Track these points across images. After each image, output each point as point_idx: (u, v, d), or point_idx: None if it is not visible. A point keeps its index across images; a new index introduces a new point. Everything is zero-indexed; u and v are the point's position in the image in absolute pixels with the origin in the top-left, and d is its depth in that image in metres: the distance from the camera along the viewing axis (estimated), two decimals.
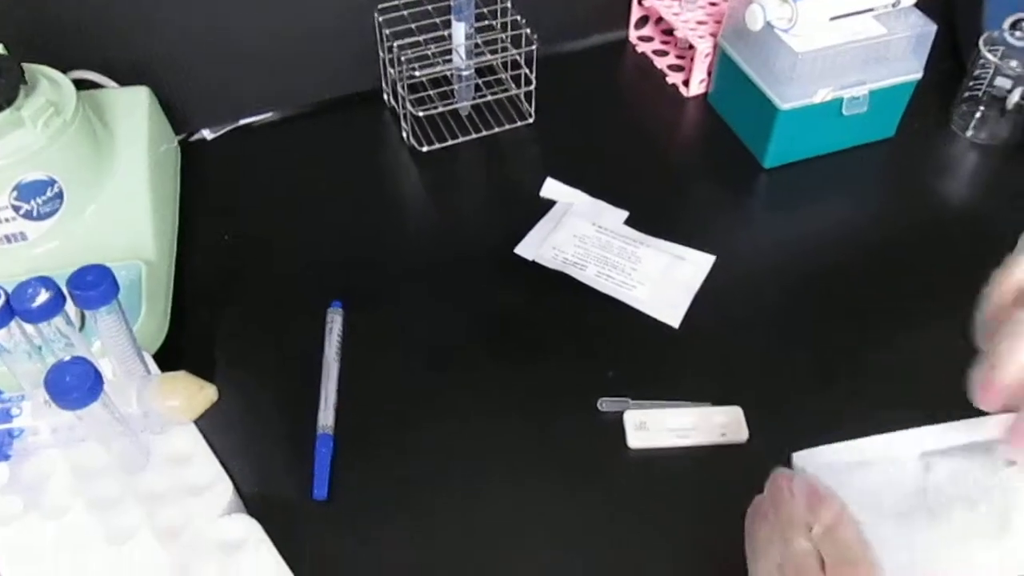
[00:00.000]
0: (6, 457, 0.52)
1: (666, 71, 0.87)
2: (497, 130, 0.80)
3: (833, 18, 0.71)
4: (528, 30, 0.75)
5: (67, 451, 0.53)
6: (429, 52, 0.76)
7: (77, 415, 0.47)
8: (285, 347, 0.65)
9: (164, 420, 0.53)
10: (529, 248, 0.70)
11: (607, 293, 0.68)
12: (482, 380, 0.63)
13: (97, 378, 0.46)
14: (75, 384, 0.45)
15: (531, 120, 0.81)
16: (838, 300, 0.69)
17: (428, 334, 0.67)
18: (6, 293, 0.49)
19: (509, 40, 0.78)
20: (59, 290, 0.50)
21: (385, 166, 0.80)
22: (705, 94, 0.85)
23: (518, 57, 0.78)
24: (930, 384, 0.63)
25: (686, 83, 0.85)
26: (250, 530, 0.51)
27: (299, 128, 0.83)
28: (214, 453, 0.58)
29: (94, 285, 0.50)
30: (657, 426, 0.60)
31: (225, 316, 0.68)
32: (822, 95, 0.73)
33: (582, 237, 0.71)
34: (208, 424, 0.60)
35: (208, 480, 0.53)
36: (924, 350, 0.64)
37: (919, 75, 0.76)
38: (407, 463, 0.59)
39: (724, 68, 0.80)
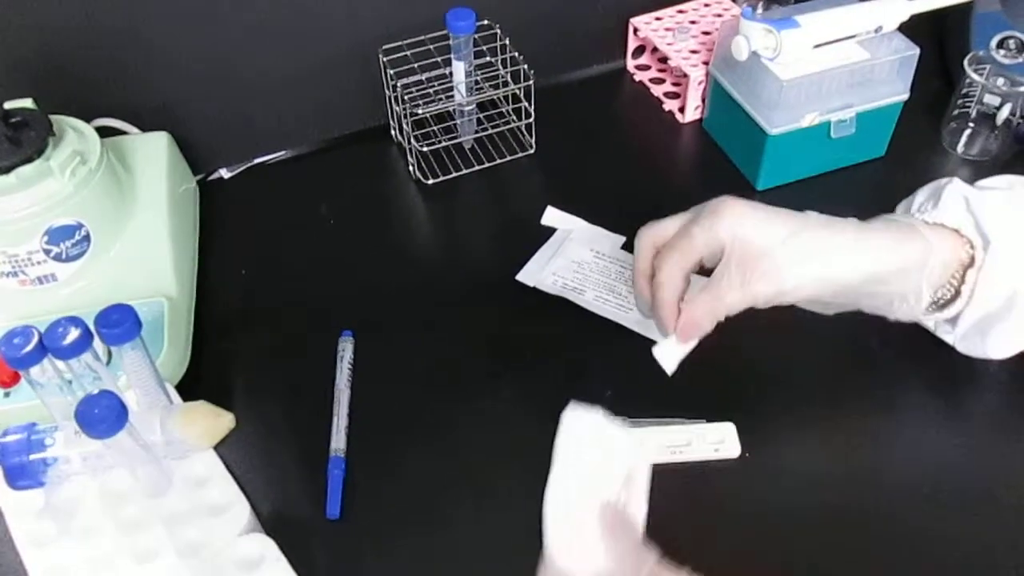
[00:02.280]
0: (41, 484, 0.55)
1: (663, 98, 0.91)
2: (499, 161, 0.84)
3: (817, 46, 0.74)
4: (526, 66, 0.79)
5: (96, 477, 0.57)
6: (431, 90, 0.80)
7: (105, 444, 0.51)
8: (298, 375, 0.69)
9: (185, 447, 0.57)
10: (530, 275, 0.73)
11: (605, 316, 0.71)
12: (486, 402, 0.67)
13: (122, 410, 0.50)
14: (103, 416, 0.49)
15: (532, 151, 0.85)
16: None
17: (434, 360, 0.70)
18: (39, 333, 0.53)
19: (508, 75, 0.81)
20: (87, 328, 0.54)
21: (393, 199, 0.83)
22: (700, 120, 0.88)
23: (517, 91, 0.81)
24: (927, 402, 0.67)
25: (682, 110, 0.88)
26: (267, 548, 0.54)
27: (311, 165, 0.87)
28: (232, 476, 0.61)
29: (119, 323, 0.54)
30: (652, 443, 0.63)
31: (242, 347, 0.71)
32: (809, 119, 0.76)
33: (580, 263, 0.74)
34: (226, 449, 0.63)
35: (226, 502, 0.56)
36: (922, 368, 0.67)
37: (905, 96, 0.79)
38: (416, 484, 0.62)
39: (716, 95, 0.83)
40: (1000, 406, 0.66)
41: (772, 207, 0.57)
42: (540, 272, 0.73)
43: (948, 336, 0.62)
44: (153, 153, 0.75)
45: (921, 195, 0.62)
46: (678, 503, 0.60)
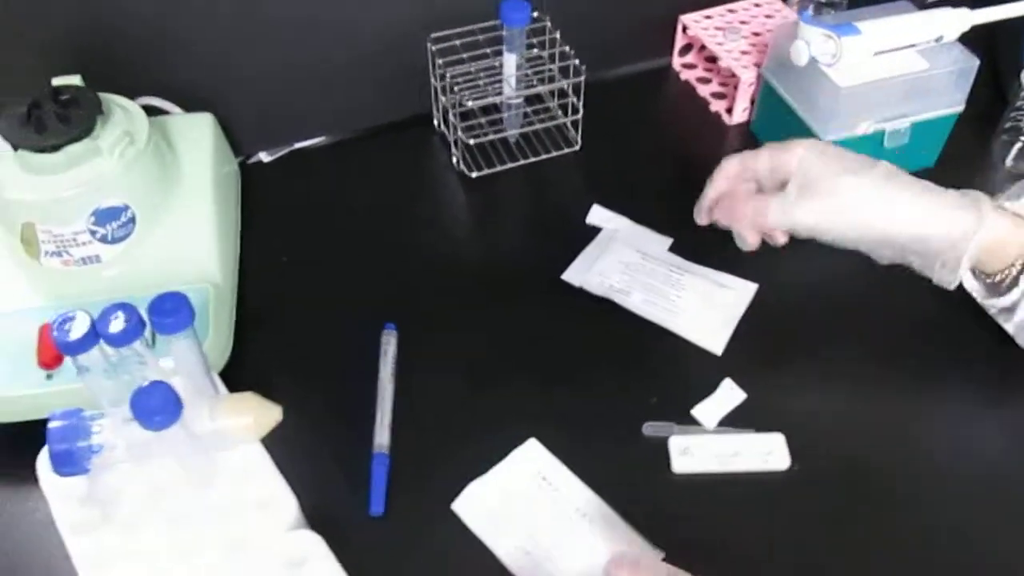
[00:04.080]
0: (86, 471, 0.54)
1: (709, 99, 0.89)
2: (544, 157, 0.83)
3: (877, 53, 0.73)
4: (576, 61, 0.77)
5: (141, 467, 0.56)
6: (480, 81, 0.78)
7: (158, 435, 0.50)
8: (340, 367, 0.68)
9: (232, 438, 0.56)
10: (576, 274, 0.72)
11: (651, 320, 0.70)
12: (528, 402, 0.66)
13: (177, 401, 0.49)
14: (158, 408, 0.48)
15: (578, 147, 0.83)
16: (878, 326, 0.70)
17: (477, 356, 0.69)
18: (91, 318, 0.52)
19: (557, 70, 0.80)
20: (139, 316, 0.53)
21: (435, 190, 0.82)
22: (748, 122, 0.86)
23: (565, 86, 0.80)
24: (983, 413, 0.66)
25: (729, 111, 0.87)
26: (315, 545, 0.53)
27: (351, 152, 0.86)
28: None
29: (172, 312, 0.53)
30: (701, 452, 0.62)
31: (283, 337, 0.71)
32: (864, 128, 0.75)
33: (627, 264, 0.73)
34: (269, 441, 0.63)
35: (273, 496, 0.55)
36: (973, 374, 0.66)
37: (961, 107, 0.78)
38: (460, 481, 0.61)
39: (767, 98, 0.82)
40: None
41: (846, 150, 0.62)
42: (586, 272, 0.72)
43: (1008, 325, 0.64)
44: (198, 134, 0.74)
45: (1018, 186, 0.64)
46: (727, 512, 0.60)
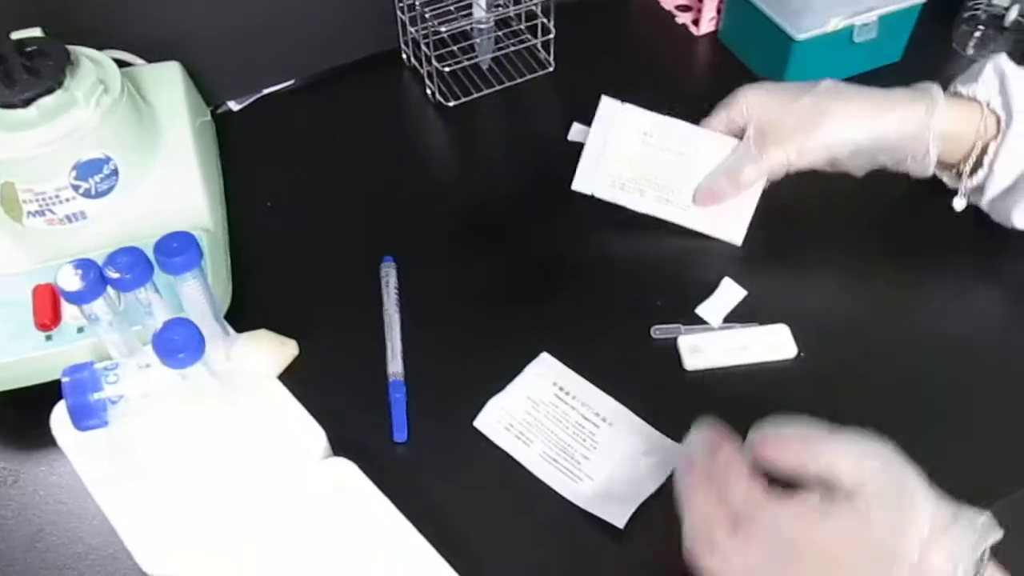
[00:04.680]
0: (105, 423, 0.54)
1: (674, 12, 0.90)
2: (518, 81, 0.82)
3: None
4: None
5: (161, 414, 0.55)
6: (451, 8, 0.77)
7: (181, 375, 0.49)
8: (342, 305, 0.68)
9: (252, 377, 0.56)
10: (584, 182, 0.70)
11: (662, 217, 0.69)
12: (535, 318, 0.66)
13: (200, 337, 0.48)
14: (182, 344, 0.48)
15: (551, 69, 0.83)
16: (865, 218, 0.72)
17: (477, 279, 0.69)
18: (96, 265, 0.51)
19: None
20: (146, 258, 0.52)
21: (411, 123, 0.82)
22: (715, 32, 0.87)
23: (535, 8, 0.79)
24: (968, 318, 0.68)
25: (696, 22, 0.87)
26: (349, 470, 0.54)
27: (322, 93, 0.84)
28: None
29: (180, 251, 0.52)
30: (711, 348, 0.64)
31: (280, 280, 0.70)
32: (834, 23, 0.76)
33: (632, 157, 0.70)
34: (285, 380, 0.63)
35: (301, 429, 0.55)
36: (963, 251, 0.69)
37: None
38: (478, 399, 0.62)
39: (734, 5, 0.82)
40: None
41: (786, 83, 0.66)
42: (593, 176, 0.70)
43: (982, 204, 0.66)
44: (168, 83, 0.72)
45: (973, 69, 0.66)
46: (741, 404, 0.62)
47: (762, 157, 0.64)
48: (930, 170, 0.64)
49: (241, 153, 0.79)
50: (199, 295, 0.55)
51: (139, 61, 0.75)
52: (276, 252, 0.72)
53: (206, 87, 0.80)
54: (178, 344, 0.48)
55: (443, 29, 0.76)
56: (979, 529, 0.43)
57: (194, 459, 0.55)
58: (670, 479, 0.57)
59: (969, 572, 0.42)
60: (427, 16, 0.75)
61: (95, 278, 0.51)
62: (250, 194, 0.75)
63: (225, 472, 0.54)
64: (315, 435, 0.55)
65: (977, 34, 0.85)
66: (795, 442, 0.47)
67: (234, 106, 0.83)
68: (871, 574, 0.43)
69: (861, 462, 0.45)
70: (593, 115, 0.77)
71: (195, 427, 0.55)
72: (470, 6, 0.79)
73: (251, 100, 0.83)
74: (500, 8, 0.80)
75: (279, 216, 0.74)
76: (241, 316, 0.66)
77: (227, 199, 0.74)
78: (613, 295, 0.68)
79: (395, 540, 0.51)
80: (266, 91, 0.84)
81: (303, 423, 0.56)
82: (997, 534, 0.44)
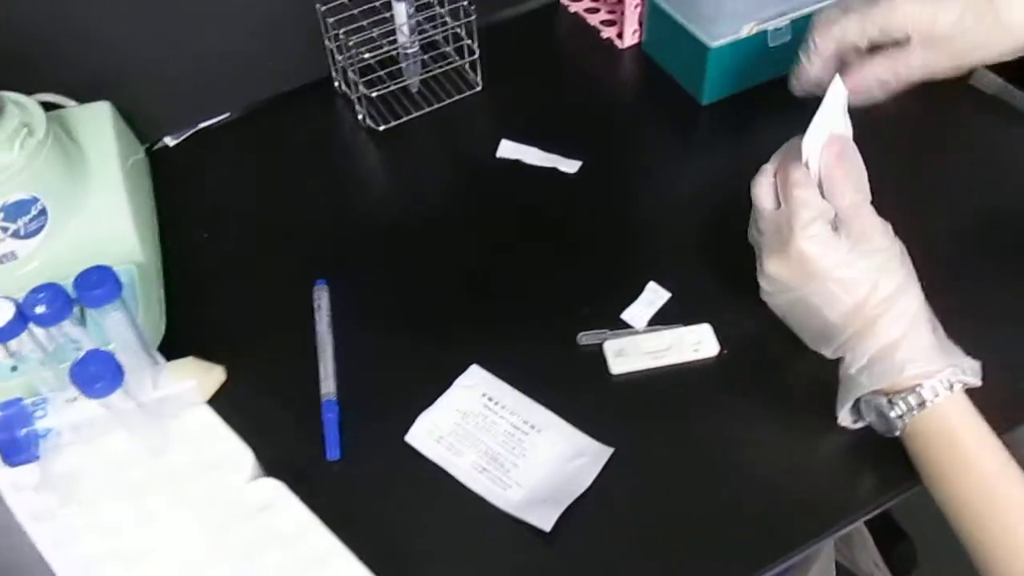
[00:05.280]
0: (36, 457, 0.55)
1: (600, 27, 0.92)
2: (447, 102, 0.84)
3: None
4: (466, 2, 0.79)
5: (93, 445, 0.56)
6: (374, 35, 0.79)
7: (101, 404, 0.51)
8: (276, 329, 0.69)
9: (179, 403, 0.57)
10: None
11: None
12: (465, 332, 0.68)
13: (117, 366, 0.50)
14: (99, 373, 0.49)
15: (479, 88, 0.85)
16: None
17: (407, 299, 0.71)
18: (16, 303, 0.52)
19: (448, 14, 0.81)
20: (65, 294, 0.53)
21: (344, 149, 0.83)
22: (639, 44, 0.89)
23: (459, 30, 0.81)
24: None
25: (620, 36, 0.89)
26: (277, 490, 0.55)
27: (257, 124, 0.86)
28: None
29: (99, 284, 0.53)
30: (635, 351, 0.65)
31: (215, 308, 0.71)
32: (748, 29, 0.78)
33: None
34: (218, 407, 0.64)
35: (229, 452, 0.57)
36: None
37: None
38: (410, 415, 0.63)
39: (653, 16, 0.84)
40: None
41: None
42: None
43: None
44: (98, 123, 0.73)
45: None
46: (667, 401, 0.63)
47: (932, 63, 0.59)
48: None
49: (178, 186, 0.80)
50: (123, 327, 0.56)
51: (70, 103, 0.77)
52: (213, 281, 0.73)
53: (141, 124, 0.82)
54: (94, 374, 0.49)
55: (367, 55, 0.78)
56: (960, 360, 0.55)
57: (126, 487, 0.56)
58: (598, 480, 0.59)
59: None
60: (351, 45, 0.77)
61: (15, 316, 0.52)
62: (185, 226, 0.77)
63: (156, 498, 0.55)
64: (243, 456, 0.56)
65: None
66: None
67: (170, 141, 0.84)
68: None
69: None
70: (523, 132, 0.80)
71: (126, 456, 0.56)
72: (395, 32, 0.81)
73: (187, 134, 0.85)
74: (423, 34, 0.82)
75: (216, 246, 0.76)
76: (177, 344, 0.67)
77: (164, 231, 0.75)
78: (541, 305, 0.69)
79: (324, 558, 0.52)
80: (202, 125, 0.85)
81: (231, 446, 0.57)
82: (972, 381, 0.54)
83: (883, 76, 0.59)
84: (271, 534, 0.53)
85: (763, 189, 0.59)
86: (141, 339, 0.58)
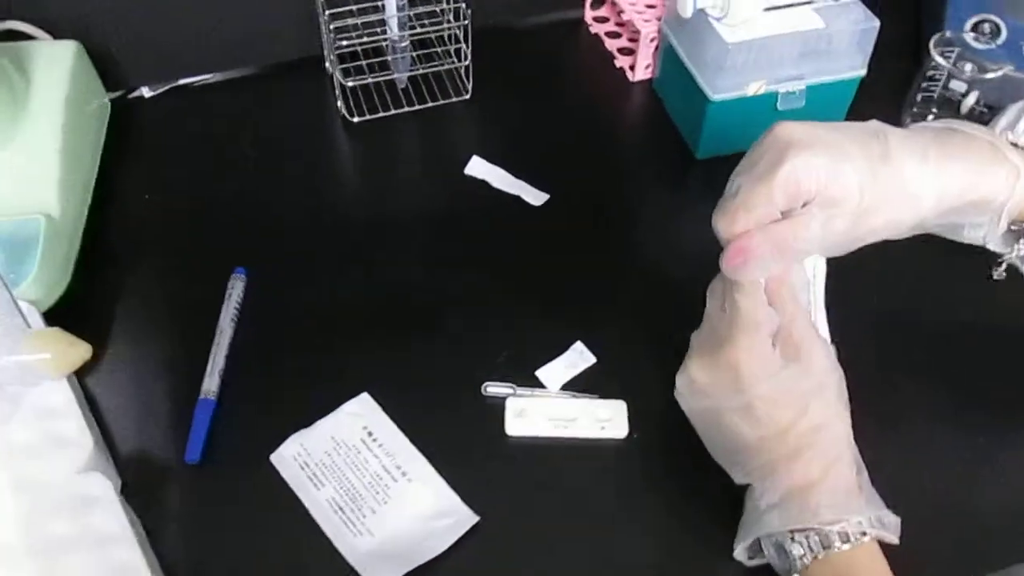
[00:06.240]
0: None
1: (616, 54, 0.86)
2: (432, 104, 0.80)
3: (768, 8, 0.69)
4: (463, 4, 0.74)
5: None
6: (358, 23, 0.75)
7: None
8: (184, 311, 0.66)
9: (34, 374, 0.54)
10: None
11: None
12: (372, 355, 0.63)
13: None
14: None
15: (467, 96, 0.80)
16: None
17: (328, 304, 0.66)
18: None
19: (451, 13, 0.77)
20: None
21: (314, 135, 0.79)
22: (651, 80, 0.83)
23: (457, 31, 0.76)
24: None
25: (632, 67, 0.83)
26: (103, 489, 0.51)
27: (239, 91, 0.83)
28: (94, 412, 0.59)
29: None
30: (537, 415, 0.60)
31: (134, 277, 0.68)
32: (755, 88, 0.71)
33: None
34: (95, 382, 0.61)
35: (71, 435, 0.53)
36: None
37: (862, 72, 0.74)
38: (286, 432, 0.59)
39: (666, 55, 0.78)
40: None
41: (837, 135, 0.48)
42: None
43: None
44: (57, 62, 0.71)
45: (1008, 115, 0.57)
46: (557, 478, 0.58)
47: (828, 227, 0.48)
48: (993, 241, 0.53)
49: (140, 141, 0.78)
50: None
51: (44, 35, 0.75)
52: (138, 247, 0.70)
53: (120, 69, 0.79)
54: None
55: (344, 43, 0.74)
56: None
57: None
58: (454, 548, 0.54)
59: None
60: (332, 28, 0.73)
61: None
62: (135, 184, 0.74)
63: None
64: (83, 443, 0.53)
65: (930, 117, 0.80)
66: None
67: (146, 92, 0.82)
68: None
69: None
70: (500, 151, 0.75)
71: None
72: (383, 23, 0.76)
73: (165, 89, 0.82)
74: (415, 29, 0.77)
75: (153, 211, 0.73)
76: (79, 308, 0.64)
77: (110, 185, 0.73)
78: (458, 341, 0.64)
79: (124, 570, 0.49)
80: (183, 81, 0.83)
81: (75, 429, 0.54)
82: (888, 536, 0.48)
83: (785, 227, 0.47)
84: (81, 535, 0.49)
85: (719, 288, 0.52)
86: (9, 300, 0.55)
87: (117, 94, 0.80)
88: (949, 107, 0.78)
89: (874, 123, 0.50)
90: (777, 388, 0.49)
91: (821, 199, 0.46)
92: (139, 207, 0.73)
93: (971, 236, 0.53)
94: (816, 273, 0.53)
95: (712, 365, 0.50)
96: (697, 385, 0.51)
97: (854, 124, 0.49)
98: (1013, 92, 0.74)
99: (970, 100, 0.77)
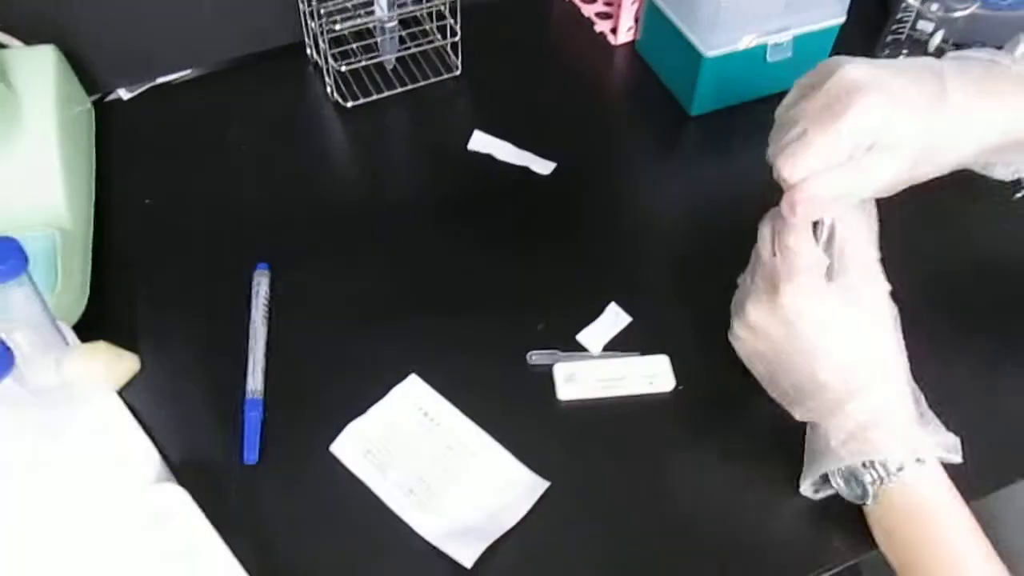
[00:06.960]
0: None
1: (594, 19, 0.87)
2: (423, 83, 0.79)
3: None
4: None
5: None
6: (349, 4, 0.74)
7: None
8: (211, 312, 0.64)
9: (85, 391, 0.53)
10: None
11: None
12: (411, 337, 0.63)
13: (7, 353, 0.45)
14: None
15: (457, 72, 0.80)
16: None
17: (354, 291, 0.66)
18: None
19: None
20: None
21: (309, 122, 0.78)
22: (633, 42, 0.84)
23: (442, 8, 0.76)
24: None
25: (614, 31, 0.84)
26: (179, 499, 0.50)
27: (219, 85, 0.81)
28: (140, 423, 0.57)
29: (2, 259, 0.48)
30: (586, 377, 0.61)
31: (148, 283, 0.66)
32: (746, 42, 0.73)
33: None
34: (133, 394, 0.59)
35: (132, 450, 0.52)
36: None
37: (842, 19, 0.77)
38: (339, 422, 0.59)
39: (650, 16, 0.79)
40: None
41: (900, 79, 0.48)
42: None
43: None
44: (39, 68, 0.68)
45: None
46: (614, 436, 0.59)
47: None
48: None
49: (126, 145, 0.75)
50: (28, 305, 0.51)
51: (15, 42, 0.71)
52: (148, 253, 0.68)
53: (94, 72, 0.76)
54: None
55: (338, 27, 0.73)
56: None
57: (15, 480, 0.51)
58: (529, 515, 0.55)
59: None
60: (322, 12, 0.72)
61: None
62: (129, 189, 0.72)
63: (46, 494, 0.51)
64: (147, 456, 0.52)
65: (900, 59, 0.83)
66: None
67: (124, 94, 0.79)
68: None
69: None
70: (499, 124, 0.75)
71: (18, 445, 0.52)
72: (372, 3, 0.75)
73: (143, 89, 0.79)
74: (403, 7, 0.76)
75: (156, 214, 0.71)
76: (99, 322, 0.62)
77: (105, 192, 0.71)
78: (494, 315, 0.65)
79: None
80: (160, 80, 0.80)
81: (136, 443, 0.52)
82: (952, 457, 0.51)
83: (847, 173, 0.48)
84: (164, 549, 0.48)
85: (767, 232, 0.53)
86: (49, 317, 0.53)
87: (94, 98, 0.77)
88: (917, 48, 0.82)
89: (929, 60, 0.50)
90: (837, 326, 0.51)
91: (883, 143, 0.48)
92: (140, 212, 0.71)
93: (1002, 173, 0.55)
94: (869, 211, 0.54)
95: (770, 307, 0.52)
96: (756, 327, 0.53)
97: (912, 62, 0.50)
98: (981, 30, 0.78)
99: (936, 39, 0.81)
